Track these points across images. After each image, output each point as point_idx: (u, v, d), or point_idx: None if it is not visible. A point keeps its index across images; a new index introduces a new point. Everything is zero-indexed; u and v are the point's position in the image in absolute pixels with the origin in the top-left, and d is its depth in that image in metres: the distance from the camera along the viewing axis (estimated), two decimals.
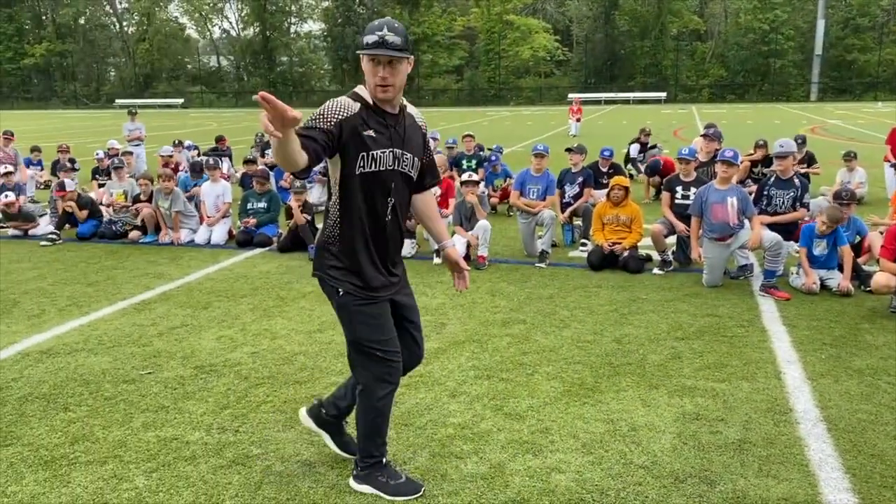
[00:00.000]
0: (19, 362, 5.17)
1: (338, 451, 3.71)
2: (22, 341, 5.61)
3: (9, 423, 4.22)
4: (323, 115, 2.89)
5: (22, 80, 72.75)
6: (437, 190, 8.35)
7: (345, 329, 3.23)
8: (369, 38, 2.90)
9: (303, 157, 2.67)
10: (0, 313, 6.33)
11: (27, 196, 11.22)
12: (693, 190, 7.49)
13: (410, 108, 3.21)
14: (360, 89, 3.04)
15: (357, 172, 2.99)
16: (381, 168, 3.03)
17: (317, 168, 9.96)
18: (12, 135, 12.47)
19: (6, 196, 9.85)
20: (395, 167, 3.08)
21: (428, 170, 3.33)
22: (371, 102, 2.99)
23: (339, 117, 2.90)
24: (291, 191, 8.74)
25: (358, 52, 3.01)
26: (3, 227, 10.13)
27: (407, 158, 3.12)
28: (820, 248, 6.67)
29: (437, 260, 7.87)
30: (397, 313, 3.32)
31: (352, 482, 3.45)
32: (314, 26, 76.32)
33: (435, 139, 11.81)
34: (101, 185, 11.93)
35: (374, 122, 2.99)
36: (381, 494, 3.35)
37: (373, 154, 2.99)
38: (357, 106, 2.96)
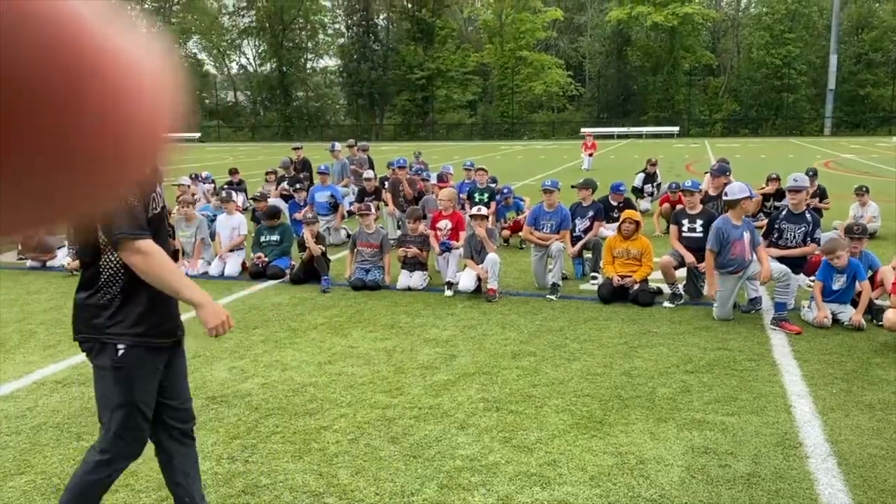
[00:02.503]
0: (34, 392, 5.24)
1: None
2: (37, 371, 5.68)
3: (23, 451, 4.27)
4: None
5: None
6: (448, 224, 8.44)
7: (113, 394, 2.87)
8: None
9: None
10: (17, 343, 6.43)
11: None
12: (699, 223, 7.53)
13: None
14: None
15: (149, 215, 2.80)
16: (158, 208, 2.89)
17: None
18: None
19: None
20: (162, 205, 2.97)
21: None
22: None
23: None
24: (304, 223, 8.85)
25: None
26: (21, 258, 10.28)
27: (160, 196, 2.96)
28: (839, 283, 6.65)
29: (448, 293, 7.91)
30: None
31: None
32: (330, 62, 77.65)
33: (449, 173, 11.93)
34: None
35: None
36: None
37: (154, 194, 2.88)
38: None
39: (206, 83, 79.96)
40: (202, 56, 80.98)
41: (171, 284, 2.69)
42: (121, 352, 2.80)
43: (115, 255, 2.76)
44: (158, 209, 2.86)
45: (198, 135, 66.47)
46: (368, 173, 12.59)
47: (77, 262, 9.28)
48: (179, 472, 3.17)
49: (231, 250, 9.41)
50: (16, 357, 6.04)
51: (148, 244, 2.64)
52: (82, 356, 6.08)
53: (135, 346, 2.81)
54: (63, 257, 9.87)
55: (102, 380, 2.87)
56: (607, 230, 9.54)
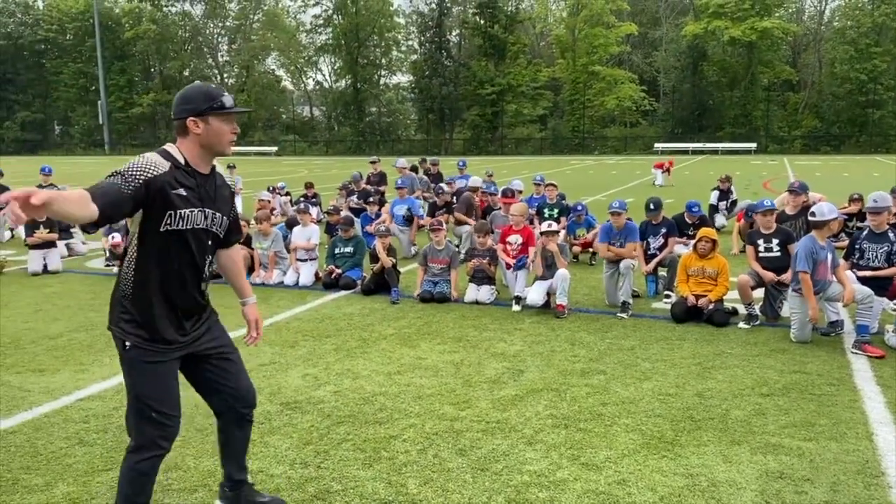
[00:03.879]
0: (120, 392, 5.48)
1: None
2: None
3: (109, 448, 4.49)
4: (125, 173, 2.89)
5: (129, 127, 77.54)
6: (519, 238, 8.46)
7: (127, 384, 3.17)
8: (224, 100, 3.10)
9: (87, 212, 2.64)
10: (104, 346, 6.74)
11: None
12: (775, 242, 7.35)
13: (218, 168, 3.31)
14: (170, 148, 3.11)
15: (162, 230, 3.01)
16: (189, 227, 3.08)
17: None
18: None
19: (113, 237, 10.51)
20: (204, 226, 3.15)
21: (233, 227, 3.41)
22: (183, 162, 3.07)
23: (145, 177, 2.91)
24: (377, 235, 9.02)
25: (212, 112, 3.07)
26: (109, 265, 10.79)
27: (217, 218, 3.21)
28: None
29: (516, 307, 7.92)
30: (203, 361, 3.36)
31: None
32: (402, 78, 78.75)
33: (520, 191, 11.93)
34: None
35: (184, 179, 3.05)
36: None
37: (181, 213, 3.03)
38: (167, 165, 3.01)
39: (283, 98, 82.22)
40: (280, 72, 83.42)
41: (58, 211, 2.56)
42: (127, 346, 3.10)
43: (130, 255, 3.07)
44: (179, 227, 3.05)
45: (275, 149, 68.36)
46: (443, 187, 12.74)
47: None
48: (234, 449, 3.55)
49: (303, 260, 9.66)
50: (103, 359, 6.34)
51: (79, 195, 2.65)
52: None
53: (137, 346, 3.08)
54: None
55: (121, 365, 3.17)
56: (682, 247, 9.37)
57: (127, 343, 3.09)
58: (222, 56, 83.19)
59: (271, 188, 16.41)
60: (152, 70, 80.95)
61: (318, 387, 5.56)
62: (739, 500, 3.75)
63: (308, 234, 9.82)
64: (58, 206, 2.47)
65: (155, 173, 2.95)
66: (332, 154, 66.65)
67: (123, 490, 3.19)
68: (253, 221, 10.48)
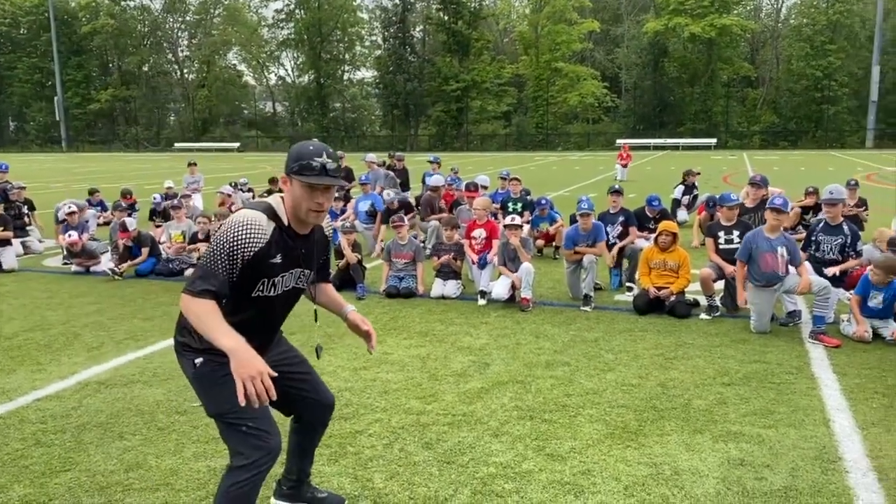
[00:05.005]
0: (79, 392, 5.38)
1: None
2: (81, 372, 5.84)
3: (68, 449, 4.40)
4: (228, 250, 2.75)
5: (87, 124, 75.93)
6: (482, 232, 8.47)
7: (208, 408, 3.00)
8: (311, 163, 2.80)
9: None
10: (62, 345, 6.60)
11: (89, 233, 11.70)
12: (735, 234, 7.48)
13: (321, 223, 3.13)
14: (276, 205, 2.90)
15: (253, 295, 2.90)
16: (279, 292, 2.97)
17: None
18: None
19: (70, 235, 10.29)
20: (294, 285, 3.04)
21: (322, 268, 3.30)
22: (286, 223, 2.89)
23: (248, 252, 2.78)
24: (341, 231, 8.96)
25: (293, 175, 2.83)
26: (67, 263, 10.57)
27: (305, 274, 3.08)
28: (875, 301, 6.52)
29: (481, 301, 7.94)
30: (284, 375, 3.08)
31: None
32: (367, 73, 78.33)
33: (485, 186, 11.95)
34: (157, 226, 12.37)
35: (283, 245, 2.88)
36: None
37: (273, 281, 2.91)
38: (271, 228, 2.84)
39: (245, 94, 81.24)
40: (241, 67, 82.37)
41: (203, 331, 2.70)
42: (198, 364, 2.91)
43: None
44: (269, 294, 2.94)
45: (237, 145, 67.55)
46: (389, 195, 12.44)
47: (125, 265, 9.60)
48: (310, 449, 3.54)
49: None
50: (61, 358, 6.21)
51: (197, 303, 2.70)
52: (125, 358, 6.26)
53: (210, 360, 2.87)
54: (107, 262, 10.11)
55: (200, 396, 3.00)
56: (643, 241, 9.49)
57: (197, 361, 2.90)
58: (182, 51, 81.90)
59: (233, 184, 16.21)
60: (110, 65, 79.30)
61: None
62: (702, 488, 3.81)
63: None
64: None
65: (259, 246, 2.79)
66: None
67: None
68: (213, 217, 10.35)
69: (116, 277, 9.57)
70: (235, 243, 2.75)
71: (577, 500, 3.69)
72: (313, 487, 3.67)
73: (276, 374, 2.62)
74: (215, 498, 2.99)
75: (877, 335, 6.43)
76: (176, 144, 68.62)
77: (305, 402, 3.35)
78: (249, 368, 2.59)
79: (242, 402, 2.57)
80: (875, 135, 55.84)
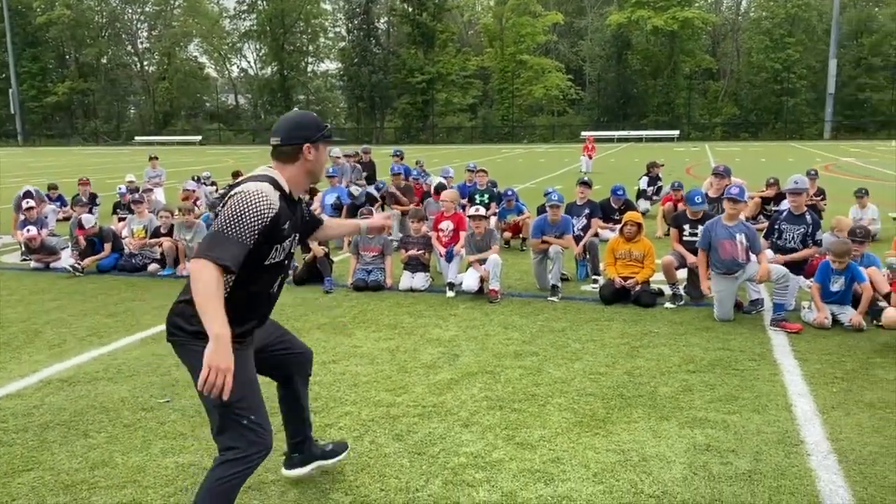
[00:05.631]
0: (41, 390, 5.28)
1: (335, 461, 3.88)
2: (43, 370, 5.72)
3: (30, 448, 4.31)
4: (245, 221, 2.81)
5: (44, 117, 74.26)
6: (450, 224, 8.48)
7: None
8: (329, 126, 3.19)
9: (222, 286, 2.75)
10: (22, 343, 6.46)
11: (49, 229, 11.45)
12: (700, 228, 7.59)
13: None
14: (277, 176, 3.02)
15: (266, 263, 2.99)
16: (285, 255, 3.11)
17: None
18: None
19: (28, 230, 10.07)
20: (291, 250, 3.18)
21: (311, 218, 3.55)
22: (287, 191, 3.05)
23: (266, 220, 2.86)
24: None
25: (324, 141, 3.11)
26: (25, 260, 10.34)
27: (296, 240, 3.21)
28: (837, 285, 6.69)
29: (450, 293, 7.96)
30: (271, 345, 3.42)
31: None
32: (331, 65, 77.77)
33: (449, 177, 11.97)
34: (121, 220, 12.16)
35: (288, 212, 3.02)
36: None
37: (283, 245, 3.05)
38: (277, 196, 2.95)
39: (206, 86, 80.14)
40: (203, 59, 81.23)
41: (199, 303, 2.69)
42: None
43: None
44: (279, 259, 3.06)
45: (199, 138, 66.60)
46: (355, 189, 12.34)
47: (88, 261, 9.40)
48: (304, 405, 3.70)
49: None
50: (21, 356, 6.08)
51: (211, 271, 2.71)
52: (88, 355, 6.15)
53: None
54: (67, 258, 9.91)
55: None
56: (609, 232, 9.61)
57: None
58: (142, 43, 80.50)
59: (196, 178, 15.98)
60: (67, 57, 77.59)
61: None
62: (669, 473, 3.87)
63: None
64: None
65: (272, 214, 2.89)
66: (258, 143, 65.23)
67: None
68: (177, 212, 10.21)
69: (77, 274, 9.38)
70: (253, 212, 2.83)
71: (547, 488, 3.73)
72: (317, 445, 3.86)
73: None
74: (199, 492, 2.98)
75: (836, 321, 6.58)
76: (136, 138, 67.45)
77: (289, 359, 3.56)
78: (224, 361, 2.65)
79: (201, 387, 2.66)
80: (832, 126, 57.07)
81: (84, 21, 73.96)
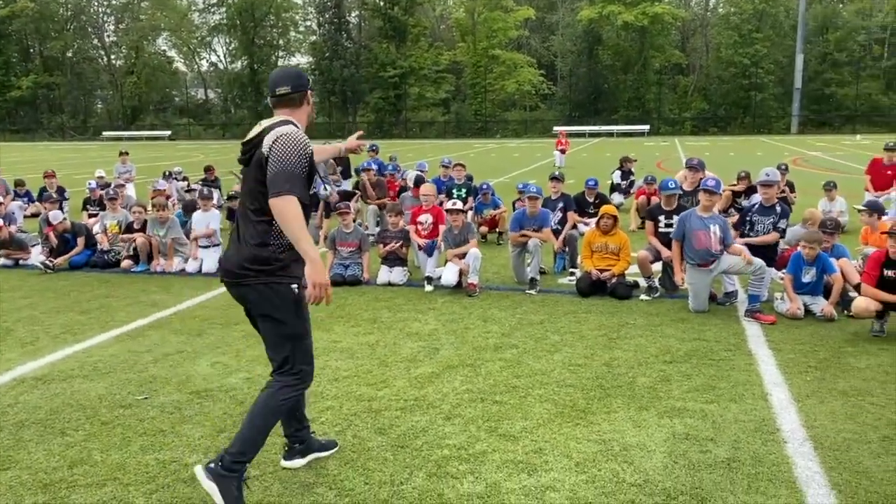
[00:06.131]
0: (14, 388, 5.19)
1: (329, 454, 4.04)
2: (16, 368, 5.63)
3: (6, 447, 4.24)
4: (300, 152, 3.28)
5: (8, 112, 72.68)
6: (429, 217, 8.48)
7: (286, 331, 3.44)
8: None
9: (302, 217, 3.27)
10: None
11: (17, 225, 11.24)
12: (675, 218, 7.67)
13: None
14: (294, 121, 3.45)
15: (311, 191, 3.51)
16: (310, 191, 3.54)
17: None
18: None
19: None
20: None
21: None
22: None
23: (310, 152, 3.36)
24: None
25: (312, 90, 3.59)
26: None
27: None
28: (809, 276, 6.81)
29: (428, 288, 7.96)
30: None
31: (199, 470, 3.41)
32: (302, 59, 77.10)
33: (424, 171, 11.96)
34: (91, 216, 11.98)
35: None
36: (219, 492, 3.34)
37: (313, 180, 3.50)
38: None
39: (175, 81, 79.04)
40: (171, 53, 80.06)
41: (294, 232, 3.20)
42: (296, 290, 3.41)
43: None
44: (309, 195, 3.45)
45: (168, 133, 65.72)
46: (323, 192, 12.20)
47: (61, 259, 9.24)
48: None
49: (205, 247, 9.35)
50: None
51: (293, 204, 3.21)
52: (62, 353, 6.05)
53: (302, 287, 3.42)
54: (37, 255, 9.74)
55: (275, 320, 3.40)
56: (585, 226, 9.69)
57: (294, 287, 3.39)
58: (109, 36, 79.11)
59: (167, 173, 15.80)
60: (31, 51, 76.00)
61: (229, 374, 5.42)
62: (650, 462, 3.92)
63: (208, 220, 9.50)
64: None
65: (310, 149, 3.36)
66: (229, 138, 64.54)
67: (266, 422, 3.49)
68: (150, 207, 10.09)
69: (48, 271, 9.23)
70: (301, 148, 3.27)
71: (530, 479, 3.76)
72: (315, 437, 4.03)
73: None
74: (258, 409, 3.44)
75: (808, 312, 6.71)
76: (104, 133, 66.36)
77: None
78: (323, 277, 3.27)
79: (313, 301, 3.28)
80: (800, 121, 57.95)
81: (48, 14, 72.46)
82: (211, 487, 3.34)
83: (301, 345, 3.48)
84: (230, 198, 11.59)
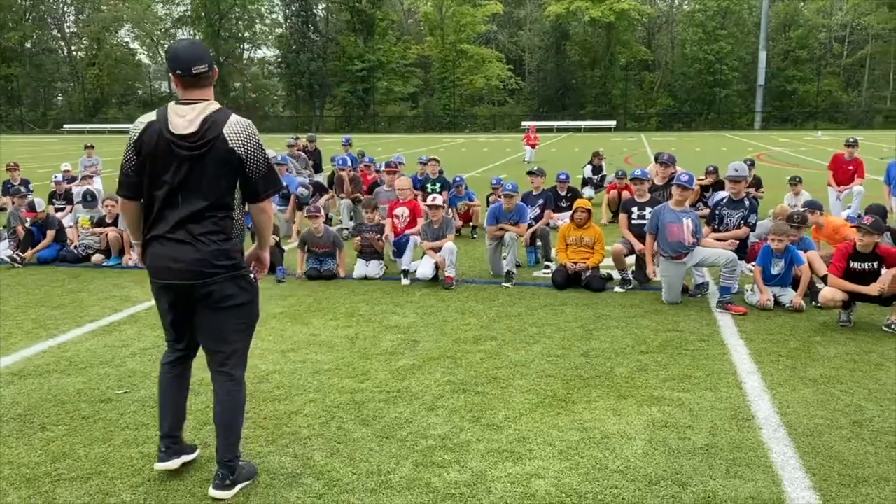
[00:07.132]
0: None
1: (194, 456, 3.87)
2: None
3: None
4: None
5: None
6: (405, 210, 8.50)
7: (249, 317, 3.59)
8: None
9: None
10: None
11: None
12: (648, 210, 7.81)
13: None
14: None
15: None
16: None
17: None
18: None
19: None
20: None
21: None
22: None
23: None
24: None
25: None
26: None
27: None
28: (778, 268, 6.98)
29: (405, 281, 7.99)
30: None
31: (216, 493, 3.48)
32: (268, 52, 76.41)
33: (401, 163, 11.95)
34: (58, 210, 11.77)
35: None
36: (247, 482, 3.62)
37: None
38: None
39: (139, 73, 77.78)
40: (135, 45, 78.70)
41: (269, 231, 3.62)
42: (255, 279, 3.60)
43: (239, 210, 3.44)
44: None
45: (131, 125, 64.62)
46: (303, 191, 12.12)
47: (29, 253, 9.07)
48: (185, 392, 3.88)
49: None
50: None
51: (272, 205, 3.57)
52: (37, 348, 5.98)
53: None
54: (4, 249, 9.56)
55: (241, 307, 3.48)
56: (559, 221, 9.80)
57: (252, 276, 3.56)
58: (69, 27, 77.47)
59: None
60: None
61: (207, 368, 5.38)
62: (631, 449, 4.01)
63: None
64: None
65: None
66: None
67: (241, 418, 3.64)
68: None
69: (17, 265, 9.07)
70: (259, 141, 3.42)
71: (515, 467, 3.82)
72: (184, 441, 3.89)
73: None
74: (228, 414, 3.56)
75: (778, 303, 6.88)
76: (65, 126, 65.01)
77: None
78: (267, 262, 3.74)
79: (260, 277, 3.66)
80: (762, 117, 59.08)
81: (5, 3, 70.70)
82: (234, 490, 3.54)
83: (249, 340, 3.66)
84: None
